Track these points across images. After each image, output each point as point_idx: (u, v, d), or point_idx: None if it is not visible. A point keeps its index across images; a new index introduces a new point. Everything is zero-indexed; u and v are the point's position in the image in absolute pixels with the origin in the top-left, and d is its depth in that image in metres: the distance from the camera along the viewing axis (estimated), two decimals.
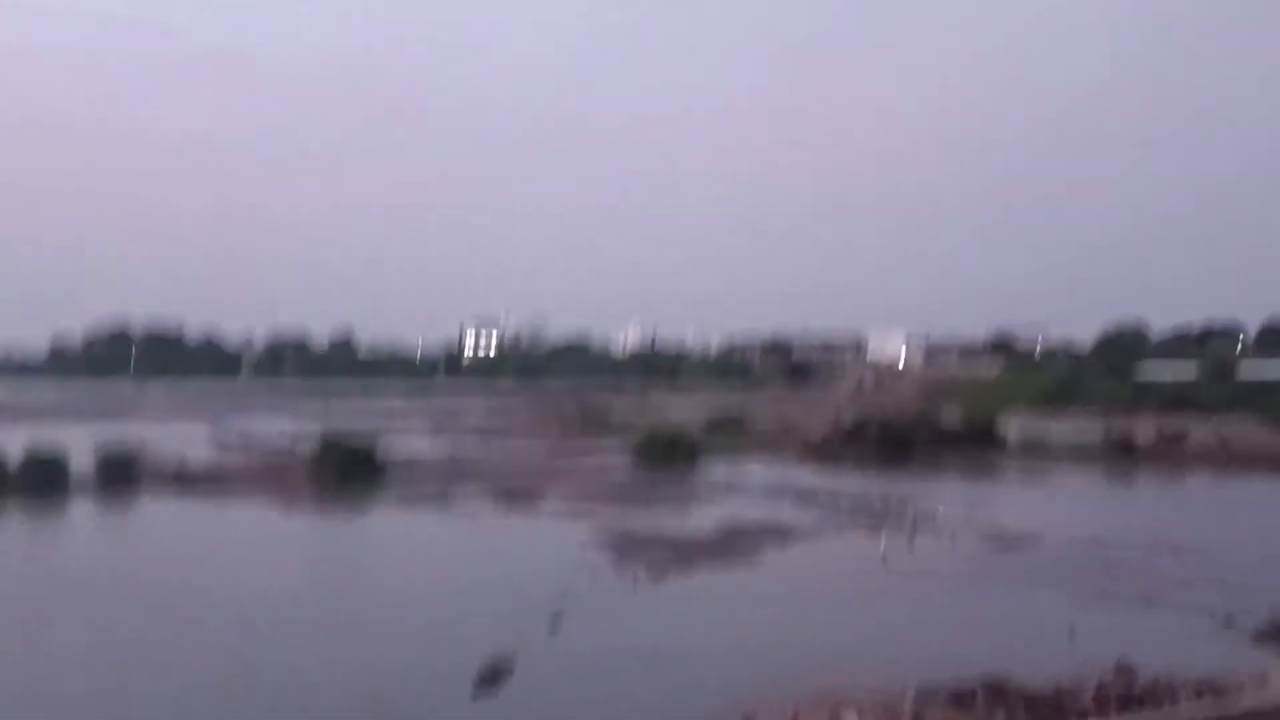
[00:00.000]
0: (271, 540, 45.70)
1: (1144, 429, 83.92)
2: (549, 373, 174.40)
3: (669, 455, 73.21)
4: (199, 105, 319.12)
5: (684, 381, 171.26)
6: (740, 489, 60.57)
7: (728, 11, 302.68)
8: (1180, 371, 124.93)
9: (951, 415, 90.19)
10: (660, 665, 25.95)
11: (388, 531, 48.07)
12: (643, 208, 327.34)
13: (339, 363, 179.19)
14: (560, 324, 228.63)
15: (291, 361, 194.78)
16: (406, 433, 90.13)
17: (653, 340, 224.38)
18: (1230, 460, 74.05)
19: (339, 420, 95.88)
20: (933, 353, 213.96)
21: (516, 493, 57.15)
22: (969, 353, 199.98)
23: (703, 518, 49.73)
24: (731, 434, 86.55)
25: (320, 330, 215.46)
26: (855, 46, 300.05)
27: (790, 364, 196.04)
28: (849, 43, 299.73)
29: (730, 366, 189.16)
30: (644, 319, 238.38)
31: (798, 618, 31.05)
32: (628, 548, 41.54)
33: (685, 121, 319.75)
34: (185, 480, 59.44)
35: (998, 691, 22.04)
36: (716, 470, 69.46)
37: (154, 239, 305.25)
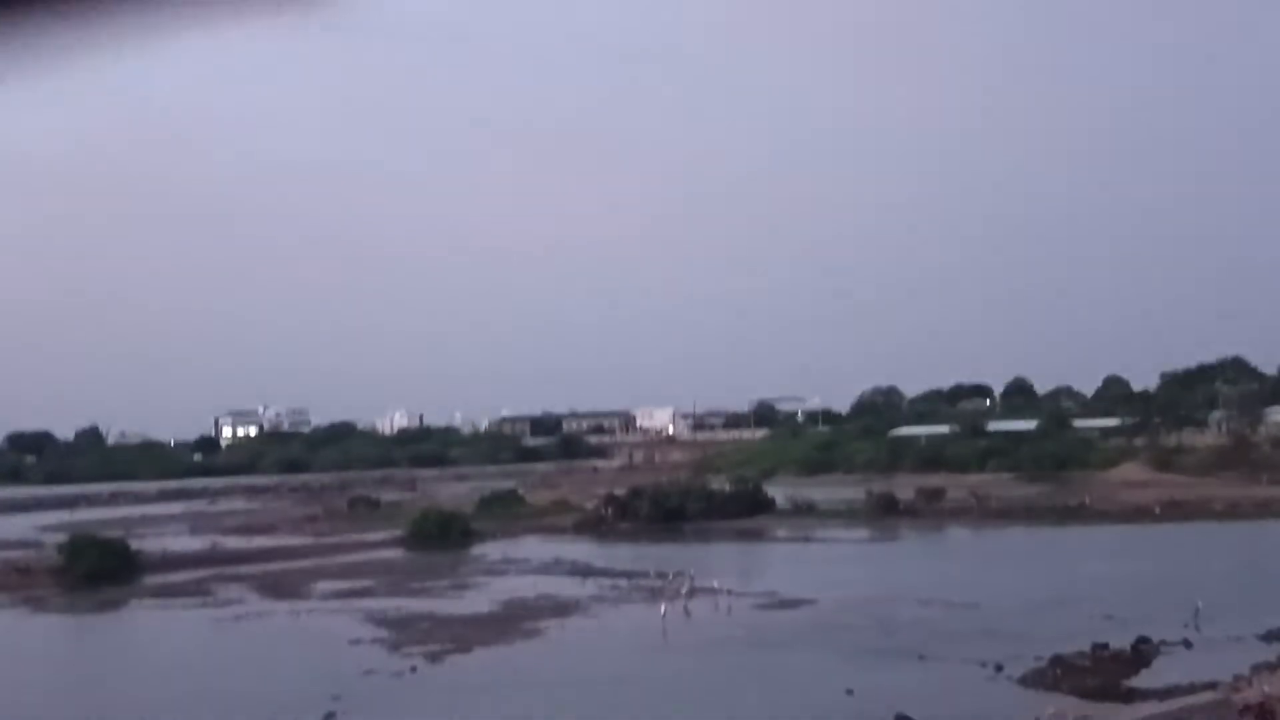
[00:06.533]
0: (18, 643, 42.77)
1: (903, 488, 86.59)
2: (312, 462, 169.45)
3: (442, 536, 71.82)
4: None
5: (454, 463, 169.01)
6: (516, 566, 59.79)
7: (475, 91, 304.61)
8: (934, 432, 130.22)
9: (720, 484, 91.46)
10: None
11: (143, 628, 45.52)
12: (404, 295, 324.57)
13: (87, 460, 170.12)
14: (321, 414, 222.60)
15: (36, 460, 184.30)
16: (163, 528, 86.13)
17: (420, 423, 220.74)
18: (986, 513, 77.00)
19: (89, 517, 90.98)
20: (699, 425, 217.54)
21: (283, 583, 54.94)
22: (733, 424, 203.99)
23: (479, 597, 48.82)
24: (505, 512, 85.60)
25: (64, 428, 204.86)
26: (615, 130, 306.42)
27: (560, 440, 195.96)
28: (607, 126, 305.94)
29: (500, 446, 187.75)
30: (408, 405, 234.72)
31: (580, 696, 30.44)
32: (403, 632, 40.33)
33: (444, 207, 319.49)
34: None
35: None
36: (491, 549, 68.43)
37: None
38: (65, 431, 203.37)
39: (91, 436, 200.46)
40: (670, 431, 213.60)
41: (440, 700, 30.34)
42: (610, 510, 79.84)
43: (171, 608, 49.16)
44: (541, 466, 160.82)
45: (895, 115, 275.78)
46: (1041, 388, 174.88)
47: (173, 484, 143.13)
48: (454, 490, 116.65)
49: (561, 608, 44.85)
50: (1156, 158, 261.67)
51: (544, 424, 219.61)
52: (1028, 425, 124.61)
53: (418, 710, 29.13)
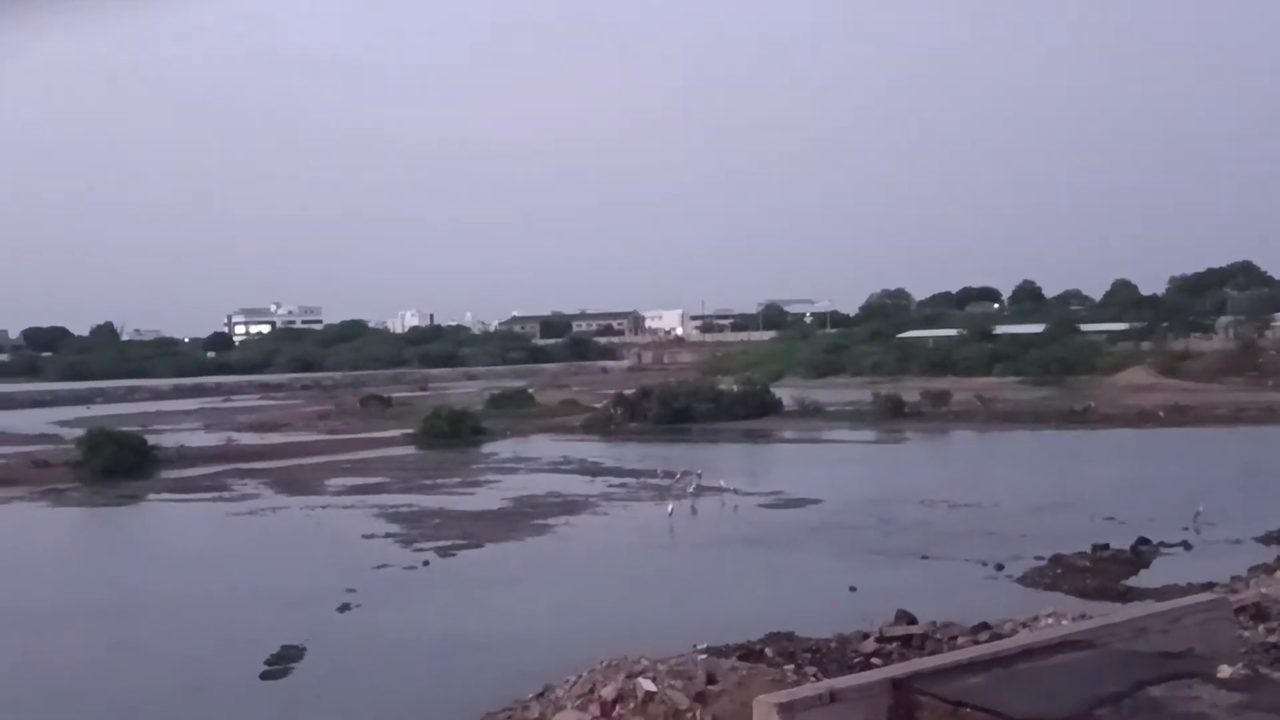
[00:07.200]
0: (39, 534, 43.67)
1: (910, 390, 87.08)
2: (324, 360, 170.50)
3: (453, 434, 72.68)
4: None
5: (464, 362, 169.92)
6: (526, 464, 60.53)
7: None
8: (942, 335, 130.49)
9: (728, 385, 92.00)
10: (453, 643, 25.68)
11: (166, 522, 46.35)
12: (415, 194, 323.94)
13: (103, 356, 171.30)
14: (333, 312, 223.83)
15: (51, 355, 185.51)
16: (178, 424, 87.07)
17: (431, 323, 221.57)
18: (991, 416, 77.51)
19: (106, 413, 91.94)
20: (707, 326, 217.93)
21: (297, 479, 55.77)
22: (741, 325, 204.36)
23: (490, 493, 49.56)
24: (515, 411, 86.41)
25: (79, 324, 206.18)
26: (624, 26, 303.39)
27: (570, 341, 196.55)
28: (616, 21, 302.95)
29: (510, 346, 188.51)
30: (420, 304, 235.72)
31: (588, 590, 31.15)
32: (415, 527, 41.05)
33: (456, 104, 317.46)
34: None
35: (785, 646, 22.53)
36: (501, 447, 69.27)
37: None
38: (80, 328, 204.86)
39: (106, 333, 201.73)
40: (679, 333, 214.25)
41: (451, 593, 31.03)
42: (619, 410, 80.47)
43: (188, 501, 49.98)
44: (551, 366, 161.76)
45: (904, 9, 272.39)
46: (1050, 291, 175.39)
47: (187, 381, 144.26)
48: (464, 389, 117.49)
49: (570, 505, 45.55)
50: (1169, 59, 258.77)
51: (553, 324, 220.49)
52: (1035, 329, 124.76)
53: (430, 602, 29.80)
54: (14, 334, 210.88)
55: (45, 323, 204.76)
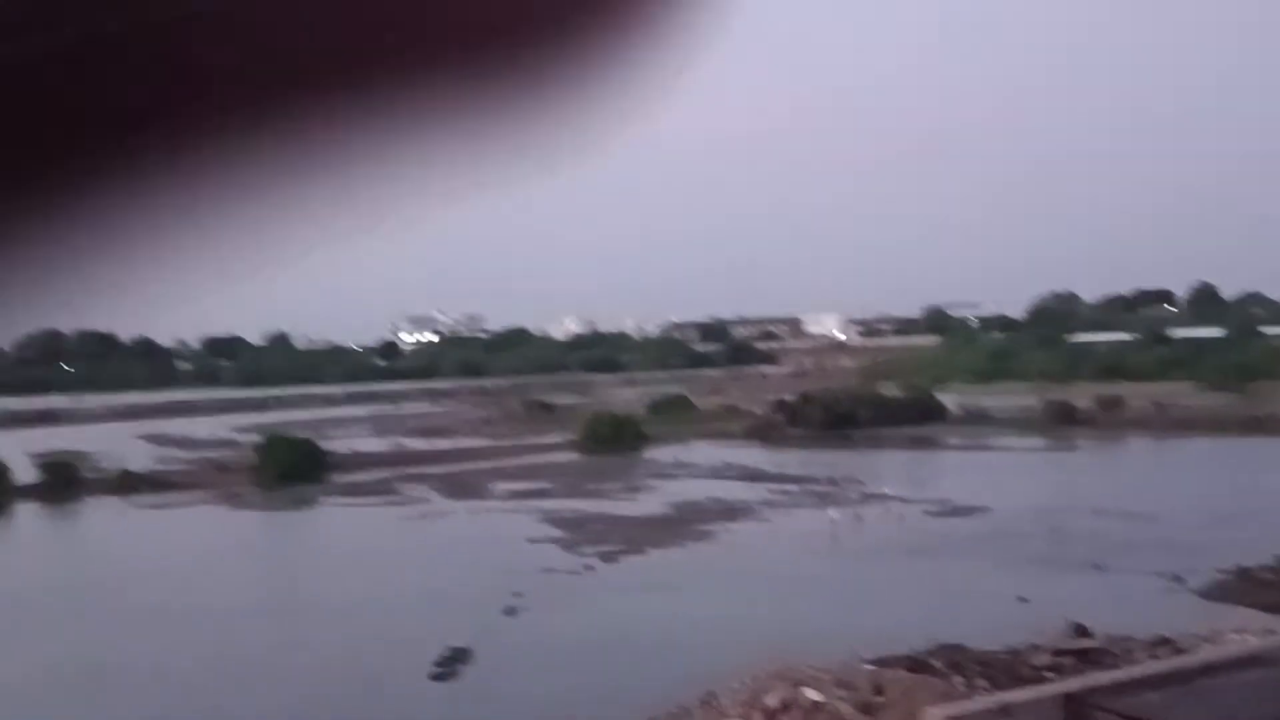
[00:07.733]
0: (224, 536, 45.31)
1: (1080, 396, 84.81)
2: (488, 367, 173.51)
3: (614, 440, 73.09)
4: None
5: (625, 368, 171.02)
6: (687, 469, 60.63)
7: None
8: (1114, 339, 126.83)
9: (891, 390, 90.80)
10: (617, 648, 25.85)
11: (339, 525, 47.64)
12: (570, 202, 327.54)
13: (277, 364, 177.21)
14: (496, 320, 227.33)
15: (229, 364, 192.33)
16: (349, 429, 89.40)
17: (591, 329, 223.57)
18: (1167, 423, 75.04)
19: (281, 419, 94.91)
20: (869, 331, 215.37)
21: (463, 483, 56.82)
22: (904, 330, 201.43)
23: (651, 499, 49.75)
24: (675, 417, 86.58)
25: (253, 335, 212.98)
26: (769, 45, 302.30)
27: (729, 346, 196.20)
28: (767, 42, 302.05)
29: (670, 351, 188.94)
30: (580, 311, 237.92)
31: (752, 596, 30.98)
32: (578, 532, 41.46)
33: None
34: (129, 485, 58.37)
35: (953, 657, 22.17)
36: (662, 453, 69.47)
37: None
38: (256, 336, 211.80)
39: (281, 341, 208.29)
40: (840, 337, 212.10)
41: (615, 598, 31.22)
42: (780, 416, 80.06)
43: (360, 505, 51.30)
44: (710, 372, 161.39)
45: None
46: (1229, 294, 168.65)
47: (357, 387, 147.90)
48: (625, 395, 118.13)
49: (732, 511, 45.46)
50: None
51: (712, 330, 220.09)
52: (1213, 333, 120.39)
53: (593, 607, 30.05)
54: (194, 344, 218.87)
55: (223, 332, 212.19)
